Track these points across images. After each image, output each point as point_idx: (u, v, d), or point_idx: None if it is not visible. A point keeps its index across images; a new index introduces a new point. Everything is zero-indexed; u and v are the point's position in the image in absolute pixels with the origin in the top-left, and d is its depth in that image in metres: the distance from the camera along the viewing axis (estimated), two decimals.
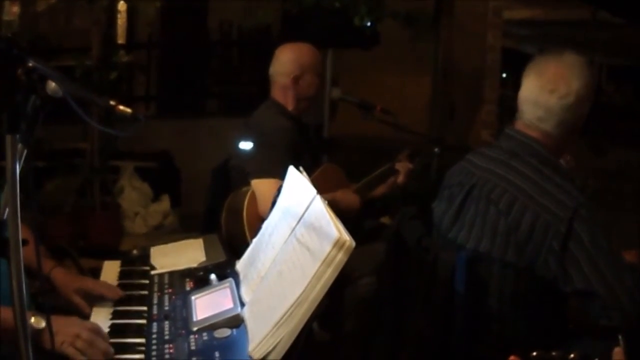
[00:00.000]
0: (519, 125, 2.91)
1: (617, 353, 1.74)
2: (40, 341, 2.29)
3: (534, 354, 1.66)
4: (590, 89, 2.81)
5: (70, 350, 2.26)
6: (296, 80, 4.10)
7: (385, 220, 4.76)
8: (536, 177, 2.74)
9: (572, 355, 1.65)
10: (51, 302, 2.57)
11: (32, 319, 2.29)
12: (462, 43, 8.19)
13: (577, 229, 2.58)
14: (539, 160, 2.79)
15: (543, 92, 2.80)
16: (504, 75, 10.64)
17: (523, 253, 2.66)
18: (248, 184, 3.87)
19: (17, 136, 1.76)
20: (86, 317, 2.58)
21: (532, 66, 2.89)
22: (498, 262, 2.71)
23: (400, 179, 4.32)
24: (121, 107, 2.00)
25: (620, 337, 2.51)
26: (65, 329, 2.32)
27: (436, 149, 4.37)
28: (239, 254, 2.85)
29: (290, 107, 4.14)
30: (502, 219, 2.72)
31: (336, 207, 2.30)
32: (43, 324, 2.30)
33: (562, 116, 2.80)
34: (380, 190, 4.34)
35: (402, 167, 4.34)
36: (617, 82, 14.30)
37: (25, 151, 1.80)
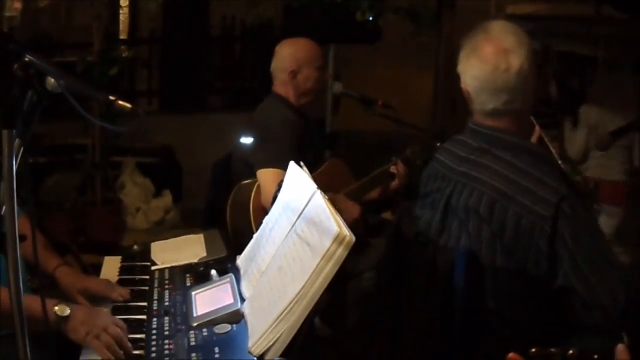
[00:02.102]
0: (482, 118, 2.79)
1: (621, 352, 1.71)
2: (65, 330, 2.29)
3: (533, 350, 1.65)
4: (528, 42, 2.70)
5: (95, 343, 2.26)
6: (294, 75, 4.12)
7: (387, 215, 4.75)
8: (513, 175, 2.61)
9: (571, 352, 1.63)
10: (51, 296, 2.55)
11: (57, 308, 2.30)
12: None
13: (561, 229, 2.49)
14: (513, 153, 2.67)
15: (498, 74, 2.67)
16: None
17: (512, 256, 2.56)
18: (251, 176, 3.87)
19: (14, 131, 1.75)
20: None
21: (467, 56, 2.76)
22: (489, 268, 2.63)
23: (396, 183, 4.30)
24: (121, 103, 1.99)
25: (624, 334, 2.51)
26: (93, 320, 2.32)
27: (438, 144, 4.35)
28: (244, 247, 2.84)
29: (292, 101, 4.15)
30: (484, 226, 2.63)
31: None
32: (68, 312, 2.30)
33: (526, 87, 2.68)
34: (375, 193, 4.32)
35: (398, 171, 4.31)
36: None
37: (22, 147, 1.80)
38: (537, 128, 3.12)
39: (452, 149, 2.89)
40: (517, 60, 2.66)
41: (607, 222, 6.37)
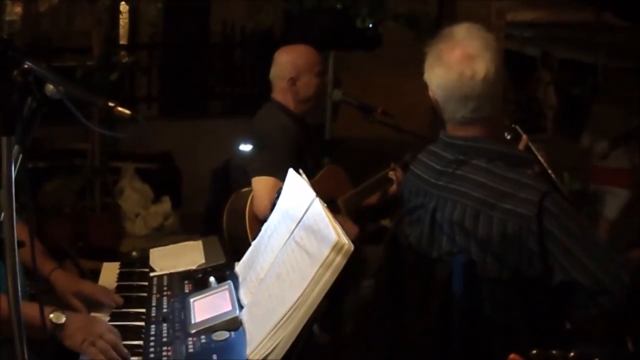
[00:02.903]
0: (452, 128, 2.75)
1: None
2: (60, 336, 2.29)
3: (534, 352, 1.65)
4: (494, 45, 2.64)
5: (91, 350, 2.26)
6: (293, 81, 4.12)
7: (385, 223, 4.75)
8: (491, 182, 2.58)
9: (571, 354, 1.63)
10: (49, 301, 2.55)
11: (52, 315, 2.30)
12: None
13: (547, 225, 2.46)
14: (487, 160, 2.63)
15: (464, 81, 2.61)
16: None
17: (504, 264, 2.55)
18: (249, 184, 3.87)
19: (13, 138, 1.75)
20: None
21: (431, 64, 2.70)
22: (483, 279, 2.61)
23: (393, 188, 4.30)
24: (120, 109, 1.99)
25: (628, 339, 2.51)
26: (89, 327, 2.32)
27: None
28: (240, 255, 2.84)
29: (291, 108, 4.15)
30: (471, 239, 2.60)
31: None
32: (63, 319, 2.30)
33: (493, 92, 2.62)
34: (373, 199, 4.32)
35: (396, 176, 4.31)
36: None
37: (21, 153, 1.80)
38: (524, 137, 3.10)
39: (427, 162, 2.86)
40: (482, 66, 2.60)
41: (611, 202, 6.52)
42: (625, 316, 2.49)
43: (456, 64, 2.62)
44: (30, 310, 2.08)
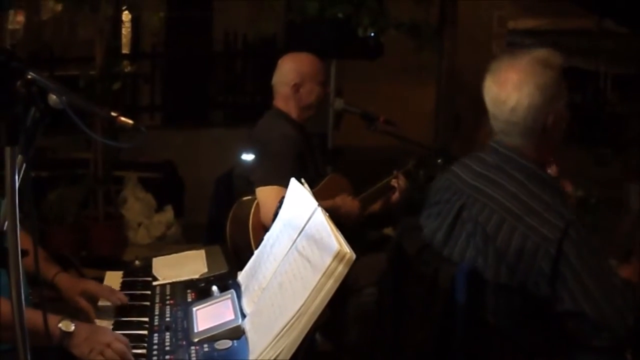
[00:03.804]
0: (499, 135, 2.79)
1: None
2: (68, 345, 2.30)
3: None
4: (540, 84, 2.64)
5: (98, 359, 2.27)
6: (297, 88, 4.12)
7: (388, 231, 4.76)
8: (523, 195, 2.63)
9: None
10: (53, 309, 2.56)
11: (61, 324, 2.31)
12: (467, 53, 8.19)
13: (566, 251, 2.50)
14: (525, 175, 2.68)
15: (497, 104, 2.69)
16: None
17: (514, 274, 2.58)
18: (252, 193, 3.87)
19: (17, 148, 1.76)
20: (90, 321, 2.59)
21: (489, 73, 2.75)
22: (492, 283, 2.63)
23: (396, 196, 4.30)
24: (123, 119, 2.00)
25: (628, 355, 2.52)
26: (97, 336, 2.33)
27: (439, 160, 4.36)
28: (243, 264, 2.85)
29: (293, 115, 4.15)
30: (490, 243, 2.63)
31: (336, 213, 2.30)
32: (72, 328, 2.31)
33: (523, 124, 2.67)
34: (376, 206, 4.32)
35: (398, 184, 4.32)
36: (622, 91, 14.25)
37: (25, 163, 1.81)
38: (555, 167, 3.15)
39: (469, 163, 2.89)
40: (515, 96, 2.64)
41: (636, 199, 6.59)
42: (622, 354, 2.55)
43: (498, 84, 2.69)
44: (35, 317, 2.09)
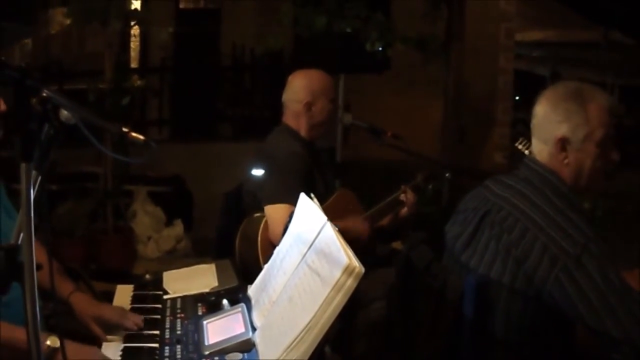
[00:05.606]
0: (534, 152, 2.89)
1: None
2: None
3: None
4: (586, 124, 2.73)
5: None
6: (309, 106, 4.10)
7: (396, 245, 4.76)
8: (548, 209, 2.68)
9: None
10: (63, 324, 2.58)
11: (48, 341, 2.32)
12: (474, 66, 8.20)
13: (587, 265, 2.52)
14: (553, 192, 2.73)
15: (535, 122, 2.84)
16: (517, 97, 10.64)
17: (531, 282, 2.62)
18: (261, 209, 3.87)
19: (31, 163, 1.79)
20: (100, 345, 2.61)
21: (541, 95, 2.87)
22: (507, 288, 2.67)
23: (405, 210, 4.30)
24: (134, 134, 2.02)
25: None
26: (82, 356, 2.34)
27: (447, 174, 4.38)
28: (252, 279, 2.86)
29: (303, 132, 4.14)
30: (512, 248, 2.67)
31: (346, 236, 2.31)
32: (59, 344, 2.32)
33: (562, 156, 2.77)
34: (384, 221, 4.32)
35: (407, 198, 4.32)
36: (629, 103, 14.25)
37: (40, 178, 1.83)
38: None
39: (501, 178, 2.96)
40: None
41: None
42: None
43: (543, 106, 2.83)
44: (23, 335, 2.10)
